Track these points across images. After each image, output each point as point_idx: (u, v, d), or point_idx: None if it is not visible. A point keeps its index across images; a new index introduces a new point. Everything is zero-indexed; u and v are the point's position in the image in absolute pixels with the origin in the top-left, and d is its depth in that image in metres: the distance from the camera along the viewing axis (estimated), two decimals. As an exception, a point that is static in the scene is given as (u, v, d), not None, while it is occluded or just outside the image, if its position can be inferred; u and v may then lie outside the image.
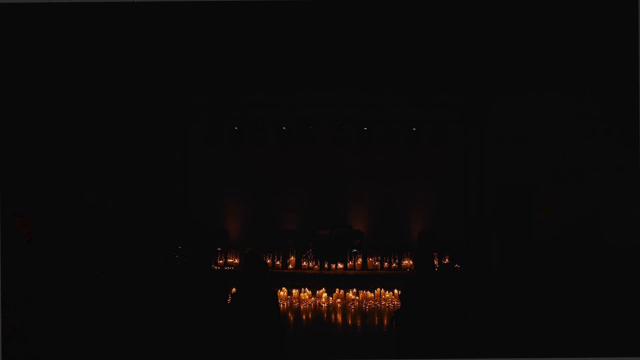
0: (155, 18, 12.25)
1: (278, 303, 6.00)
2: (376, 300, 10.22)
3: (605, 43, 12.17)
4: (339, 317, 9.73)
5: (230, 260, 12.00)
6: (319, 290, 10.46)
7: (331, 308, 10.06)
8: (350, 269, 11.73)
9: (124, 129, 13.35)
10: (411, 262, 11.51)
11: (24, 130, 12.95)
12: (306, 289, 10.53)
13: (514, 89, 12.96)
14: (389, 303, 10.12)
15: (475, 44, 12.75)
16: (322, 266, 11.81)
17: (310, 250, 12.16)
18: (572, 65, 12.65)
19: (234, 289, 6.21)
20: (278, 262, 11.93)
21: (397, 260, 11.87)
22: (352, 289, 10.55)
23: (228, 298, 6.00)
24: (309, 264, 11.90)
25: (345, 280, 11.20)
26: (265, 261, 10.53)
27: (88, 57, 13.06)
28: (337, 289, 10.45)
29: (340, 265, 11.78)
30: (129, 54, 13.11)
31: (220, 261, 11.97)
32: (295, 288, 10.58)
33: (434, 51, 13.00)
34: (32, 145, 13.05)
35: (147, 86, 12.92)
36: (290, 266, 11.98)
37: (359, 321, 9.51)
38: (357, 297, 10.27)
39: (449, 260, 11.62)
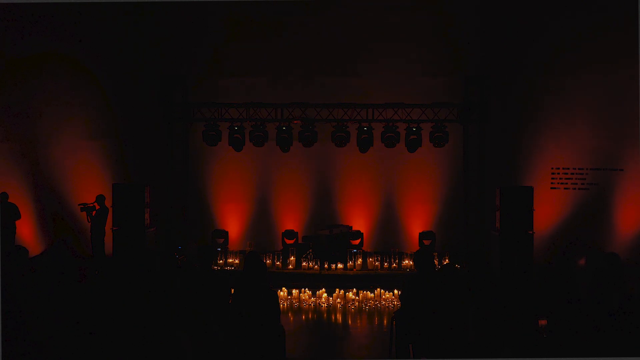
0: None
1: (278, 303, 5.99)
2: (376, 300, 10.21)
3: (604, 40, 12.19)
4: (339, 317, 9.72)
5: (230, 260, 11.99)
6: (319, 290, 10.45)
7: (331, 308, 10.06)
8: (350, 269, 11.72)
9: (124, 129, 13.35)
10: (411, 262, 11.50)
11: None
12: (306, 289, 10.52)
13: (513, 89, 12.98)
14: (389, 303, 10.11)
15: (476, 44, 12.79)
16: (322, 266, 11.80)
17: (310, 250, 12.15)
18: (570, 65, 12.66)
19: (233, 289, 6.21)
20: (278, 262, 11.92)
21: (397, 260, 11.86)
22: (352, 289, 10.53)
23: (229, 298, 5.99)
24: (309, 264, 11.89)
25: (345, 280, 11.20)
26: (265, 261, 10.55)
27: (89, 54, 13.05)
28: (337, 289, 10.44)
29: (340, 265, 11.77)
30: (127, 54, 13.13)
31: (220, 261, 11.96)
32: (295, 288, 10.57)
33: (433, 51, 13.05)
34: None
35: (146, 86, 12.92)
36: (290, 266, 11.97)
37: (359, 321, 9.51)
38: (357, 297, 10.26)
39: (449, 260, 11.62)
